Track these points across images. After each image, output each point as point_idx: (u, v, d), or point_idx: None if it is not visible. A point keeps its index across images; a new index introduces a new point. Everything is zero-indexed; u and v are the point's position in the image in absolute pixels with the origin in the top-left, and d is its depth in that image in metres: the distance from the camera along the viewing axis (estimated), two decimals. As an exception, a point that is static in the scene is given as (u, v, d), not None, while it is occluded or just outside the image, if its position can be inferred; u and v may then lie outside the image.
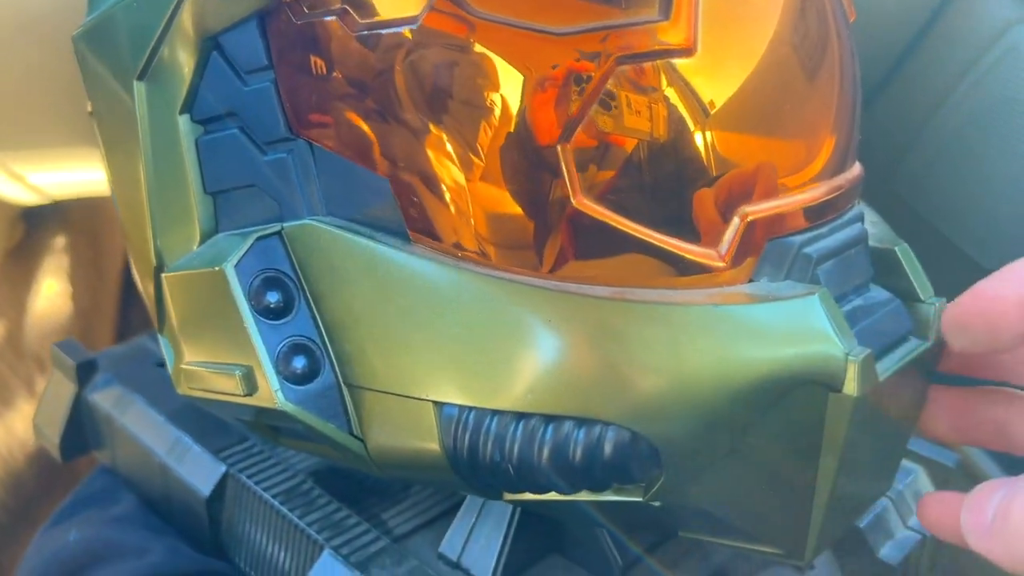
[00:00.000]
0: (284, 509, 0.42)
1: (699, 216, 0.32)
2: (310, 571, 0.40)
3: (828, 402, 0.30)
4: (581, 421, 0.32)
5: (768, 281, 0.33)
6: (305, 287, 0.35)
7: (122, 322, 0.85)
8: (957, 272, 0.61)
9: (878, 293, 0.35)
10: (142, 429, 0.49)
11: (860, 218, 0.36)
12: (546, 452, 0.32)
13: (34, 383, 0.81)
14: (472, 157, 0.32)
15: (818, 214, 0.34)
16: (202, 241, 0.38)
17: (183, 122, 0.37)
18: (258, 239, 0.34)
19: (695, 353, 0.31)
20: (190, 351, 0.38)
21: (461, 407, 0.32)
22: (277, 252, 0.35)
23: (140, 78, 0.38)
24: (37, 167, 0.66)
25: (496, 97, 0.31)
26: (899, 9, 0.62)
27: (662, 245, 0.32)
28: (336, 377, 0.34)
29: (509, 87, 0.31)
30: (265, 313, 0.34)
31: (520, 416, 0.32)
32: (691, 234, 0.32)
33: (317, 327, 0.34)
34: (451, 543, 0.40)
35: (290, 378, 0.34)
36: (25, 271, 0.82)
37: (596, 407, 0.31)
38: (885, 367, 0.31)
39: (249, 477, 0.45)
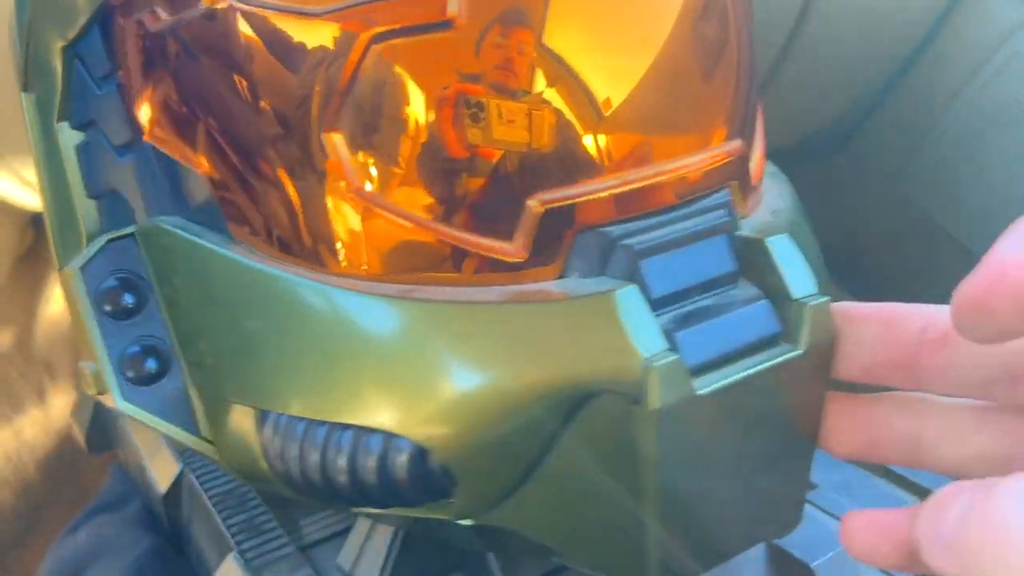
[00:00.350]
0: (214, 510, 0.44)
1: (489, 206, 0.29)
2: (215, 572, 0.41)
3: (632, 416, 0.27)
4: (371, 431, 0.30)
5: (579, 277, 0.29)
6: (157, 289, 0.34)
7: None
8: (965, 270, 0.61)
9: (744, 291, 0.30)
10: (135, 429, 0.51)
11: (725, 204, 0.31)
12: (342, 463, 0.30)
13: (43, 388, 0.82)
14: (266, 150, 0.31)
15: (647, 201, 0.30)
16: (88, 243, 0.38)
17: (62, 129, 0.38)
18: (109, 241, 0.35)
19: (479, 357, 0.28)
20: (80, 351, 0.38)
21: (273, 414, 0.31)
22: (131, 254, 0.35)
23: (25, 89, 0.39)
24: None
25: (275, 87, 0.30)
26: (906, 11, 0.62)
27: (447, 239, 0.29)
28: (183, 379, 0.34)
29: (283, 79, 0.30)
30: (116, 314, 0.34)
31: (317, 424, 0.30)
32: (484, 226, 0.29)
33: (167, 328, 0.34)
34: (346, 554, 0.40)
35: (137, 379, 0.34)
36: (35, 277, 0.82)
37: (381, 416, 0.29)
38: (723, 377, 0.28)
39: (198, 477, 0.46)
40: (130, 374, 0.34)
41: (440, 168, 0.29)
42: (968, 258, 0.59)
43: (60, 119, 0.38)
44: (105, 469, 0.87)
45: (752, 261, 0.30)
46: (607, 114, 0.29)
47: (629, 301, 0.27)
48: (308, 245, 0.31)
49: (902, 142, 0.65)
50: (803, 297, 0.29)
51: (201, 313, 0.33)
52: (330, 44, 0.29)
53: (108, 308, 0.34)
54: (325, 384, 0.30)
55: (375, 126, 0.29)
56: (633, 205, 0.30)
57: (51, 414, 0.81)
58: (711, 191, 0.32)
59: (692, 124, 0.32)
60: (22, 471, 0.77)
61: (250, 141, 0.31)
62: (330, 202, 0.30)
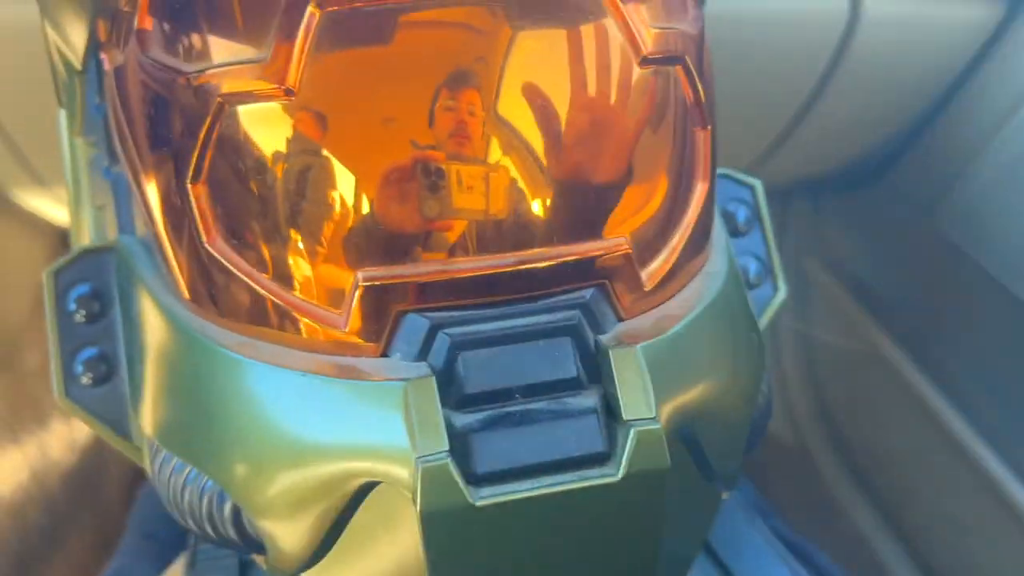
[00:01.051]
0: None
1: (323, 274, 0.29)
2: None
3: (410, 510, 0.26)
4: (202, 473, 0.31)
5: (400, 359, 0.28)
6: (118, 301, 0.36)
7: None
8: (1001, 308, 0.60)
9: (581, 401, 0.28)
10: None
11: (580, 305, 0.29)
12: (185, 497, 0.32)
13: (70, 405, 0.82)
14: (167, 192, 0.32)
15: (484, 290, 0.29)
16: None
17: (80, 144, 0.41)
18: (85, 252, 0.36)
19: (275, 422, 0.29)
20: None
21: (154, 443, 0.33)
22: (106, 266, 0.36)
23: (60, 106, 0.42)
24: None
25: (157, 135, 0.31)
26: (944, 47, 0.62)
27: (279, 300, 0.30)
28: (124, 389, 0.35)
29: (162, 130, 0.31)
30: (76, 317, 0.36)
31: (171, 457, 0.32)
32: (316, 293, 0.29)
33: (118, 339, 0.36)
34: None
35: (86, 380, 0.35)
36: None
37: (204, 462, 0.31)
38: (515, 490, 0.27)
39: None
40: (77, 372, 0.35)
41: (279, 232, 0.29)
42: (1002, 295, 0.58)
43: (78, 135, 0.41)
44: (126, 484, 0.88)
45: (602, 370, 0.29)
46: (450, 196, 0.28)
47: (420, 394, 0.27)
48: (183, 286, 0.32)
49: (937, 177, 0.64)
50: (632, 420, 0.27)
51: (131, 333, 0.35)
52: (193, 103, 0.29)
53: (72, 310, 0.36)
54: (182, 425, 0.32)
55: (223, 184, 0.30)
56: (467, 293, 0.29)
57: (75, 430, 0.82)
58: (568, 288, 0.30)
59: (552, 217, 0.30)
60: (47, 487, 0.77)
61: (140, 181, 0.33)
62: (187, 247, 0.31)
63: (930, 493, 0.72)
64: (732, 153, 0.67)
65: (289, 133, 0.28)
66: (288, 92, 0.28)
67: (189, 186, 0.30)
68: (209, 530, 0.32)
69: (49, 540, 0.77)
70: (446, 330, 0.28)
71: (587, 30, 0.29)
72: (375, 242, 0.29)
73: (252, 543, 0.31)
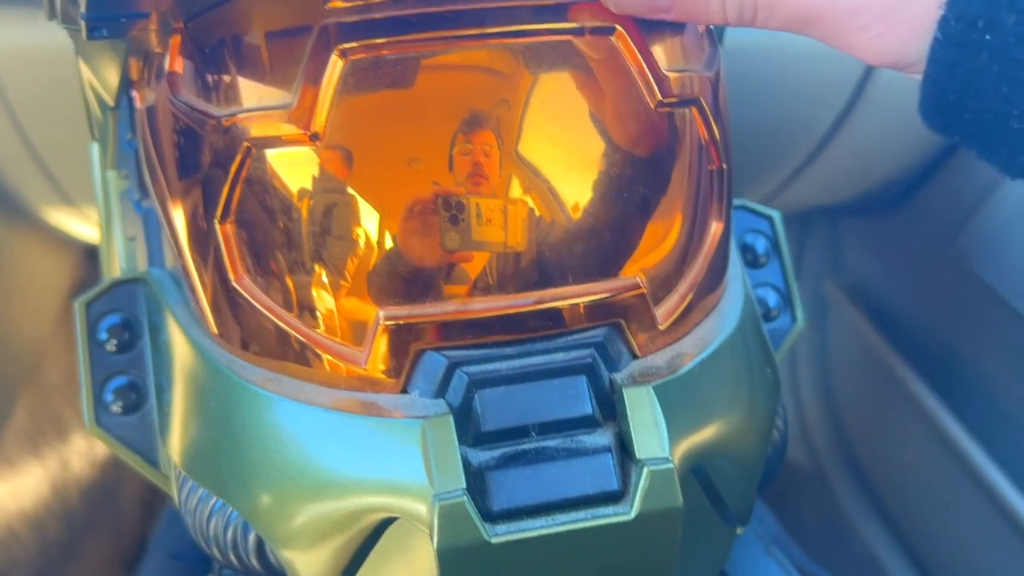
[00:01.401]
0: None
1: (345, 312, 0.30)
2: None
3: (428, 545, 0.26)
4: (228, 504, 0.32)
5: (420, 395, 0.29)
6: (148, 332, 0.37)
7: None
8: (1020, 338, 0.59)
9: (596, 439, 0.29)
10: None
11: (595, 344, 0.30)
12: (211, 527, 0.32)
13: (90, 419, 0.83)
14: (193, 222, 0.32)
15: (501, 329, 0.29)
16: None
17: (112, 176, 0.42)
18: (116, 283, 0.37)
19: (294, 455, 0.29)
20: None
21: (181, 473, 0.34)
22: (136, 297, 0.37)
23: (93, 139, 0.43)
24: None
25: (188, 171, 0.32)
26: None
27: (303, 336, 0.30)
28: (153, 417, 0.36)
29: (193, 168, 0.31)
30: (108, 347, 0.36)
31: (198, 487, 0.33)
32: (339, 330, 0.30)
33: (149, 368, 0.36)
34: None
35: (116, 408, 0.36)
36: (87, 309, 0.83)
37: (229, 493, 0.31)
38: (530, 527, 0.27)
39: None
40: (107, 401, 0.36)
41: (304, 269, 0.30)
42: (1021, 325, 0.58)
43: (109, 167, 0.42)
44: (142, 498, 0.88)
45: (616, 409, 0.29)
46: (469, 234, 0.29)
47: (438, 433, 0.27)
48: (210, 320, 0.33)
49: (959, 206, 0.64)
50: (646, 459, 0.28)
51: (160, 363, 0.35)
52: (221, 146, 0.30)
53: (103, 340, 0.36)
54: (208, 456, 0.32)
55: (250, 223, 0.30)
56: (484, 332, 0.29)
57: (95, 445, 0.82)
58: (582, 327, 0.30)
59: (567, 257, 0.30)
60: (67, 501, 0.78)
61: (170, 217, 0.33)
62: (213, 283, 0.32)
63: (947, 521, 0.71)
64: (754, 180, 0.67)
65: (314, 175, 0.29)
66: (314, 137, 0.29)
67: (217, 225, 0.31)
68: (233, 559, 0.32)
69: (67, 553, 0.77)
70: (464, 368, 0.29)
71: (603, 74, 0.30)
72: (396, 280, 0.29)
73: (275, 573, 0.32)
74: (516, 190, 0.29)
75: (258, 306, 0.31)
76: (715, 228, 0.34)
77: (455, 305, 0.29)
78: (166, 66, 0.31)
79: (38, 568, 0.73)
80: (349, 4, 0.28)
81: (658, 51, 0.31)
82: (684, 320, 0.33)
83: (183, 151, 0.32)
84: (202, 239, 0.32)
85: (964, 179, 0.64)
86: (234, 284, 0.31)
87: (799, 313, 0.42)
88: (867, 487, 0.81)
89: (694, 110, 0.32)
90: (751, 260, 0.42)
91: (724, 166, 0.34)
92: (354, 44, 0.28)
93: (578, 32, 0.30)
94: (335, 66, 0.28)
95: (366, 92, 0.29)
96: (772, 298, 0.42)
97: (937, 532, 0.73)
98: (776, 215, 0.43)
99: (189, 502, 0.33)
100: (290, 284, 0.30)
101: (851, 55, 0.27)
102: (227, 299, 0.32)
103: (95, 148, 0.43)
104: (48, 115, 0.57)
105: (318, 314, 0.30)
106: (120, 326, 0.36)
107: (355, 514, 0.28)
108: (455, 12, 0.29)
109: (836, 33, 0.27)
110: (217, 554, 0.33)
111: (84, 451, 0.81)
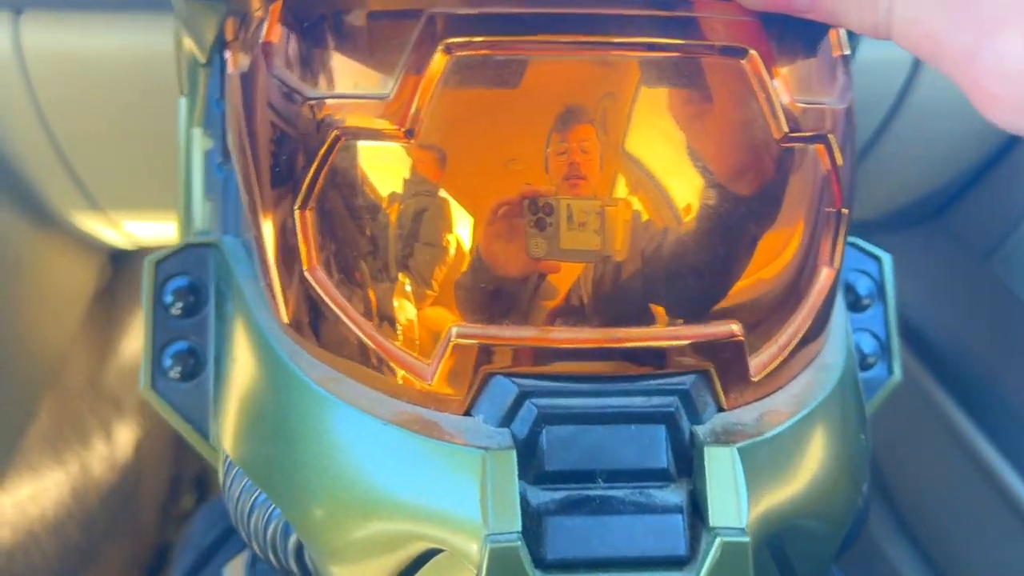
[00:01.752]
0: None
1: (419, 321, 0.28)
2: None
3: None
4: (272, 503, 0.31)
5: (483, 420, 0.27)
6: (213, 298, 0.35)
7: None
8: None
9: (668, 496, 0.26)
10: None
11: (680, 392, 0.27)
12: (252, 520, 0.31)
13: (110, 424, 0.83)
14: (258, 205, 0.31)
15: (580, 363, 0.27)
16: None
17: (197, 134, 0.41)
18: (188, 245, 0.35)
19: (345, 465, 0.28)
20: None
21: (231, 460, 0.32)
22: (206, 262, 0.35)
23: (182, 94, 0.42)
24: (132, 215, 0.68)
25: (274, 151, 0.30)
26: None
27: (369, 342, 0.29)
28: (209, 387, 0.35)
29: (279, 151, 0.30)
30: (174, 310, 0.35)
31: (243, 476, 0.32)
32: (410, 342, 0.28)
33: (210, 336, 0.35)
34: None
35: (174, 374, 0.35)
36: (110, 314, 0.84)
37: (274, 490, 0.30)
38: None
39: None
40: (166, 365, 0.35)
41: (380, 270, 0.28)
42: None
43: (196, 125, 0.41)
44: (160, 502, 0.88)
45: (694, 465, 0.27)
46: (559, 244, 0.27)
47: (498, 467, 0.25)
48: (279, 304, 0.31)
49: (996, 222, 0.63)
50: (720, 527, 0.25)
51: (222, 333, 0.34)
52: (310, 129, 0.29)
53: (169, 302, 0.35)
54: (257, 448, 0.31)
55: (330, 214, 0.29)
56: (561, 363, 0.27)
57: (116, 450, 0.82)
58: (670, 372, 0.28)
59: (661, 293, 0.28)
60: (87, 505, 0.77)
61: (251, 191, 0.32)
62: (286, 268, 0.30)
63: (976, 542, 0.70)
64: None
65: (404, 174, 0.27)
66: (408, 133, 0.27)
67: (296, 211, 0.29)
68: (271, 557, 0.31)
69: (87, 557, 0.77)
70: (534, 400, 0.27)
71: (726, 101, 0.27)
72: (475, 293, 0.27)
73: None
74: (619, 190, 0.27)
75: (327, 300, 0.29)
76: (825, 274, 0.31)
77: (532, 331, 0.27)
78: (263, 34, 0.30)
79: (57, 572, 0.72)
80: None
81: (790, 77, 0.28)
82: (779, 373, 0.30)
83: (270, 127, 0.30)
84: (279, 221, 0.30)
85: (1002, 196, 0.64)
86: (306, 274, 0.29)
87: (896, 366, 0.38)
88: (894, 505, 0.80)
89: (820, 147, 0.29)
90: (852, 302, 0.38)
91: (844, 211, 0.31)
92: (462, 39, 0.26)
93: (707, 50, 0.27)
94: (439, 61, 0.27)
95: (468, 89, 0.27)
96: (869, 344, 0.38)
97: (968, 555, 0.72)
98: (887, 258, 0.39)
99: (233, 489, 0.32)
100: (363, 283, 0.29)
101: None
102: (296, 288, 0.30)
103: (182, 102, 0.42)
104: (77, 119, 0.57)
105: (389, 318, 0.29)
106: (187, 289, 0.35)
107: (402, 539, 0.27)
108: (573, 16, 0.27)
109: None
110: (256, 548, 0.32)
111: (105, 456, 0.81)
